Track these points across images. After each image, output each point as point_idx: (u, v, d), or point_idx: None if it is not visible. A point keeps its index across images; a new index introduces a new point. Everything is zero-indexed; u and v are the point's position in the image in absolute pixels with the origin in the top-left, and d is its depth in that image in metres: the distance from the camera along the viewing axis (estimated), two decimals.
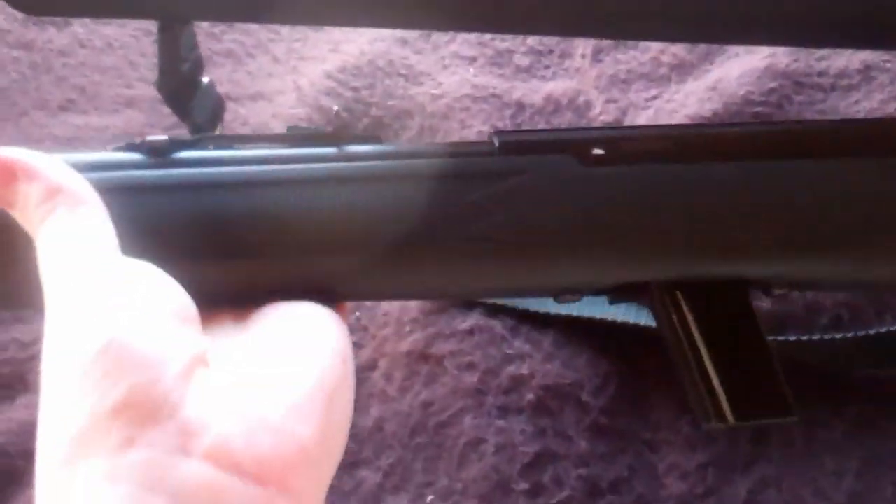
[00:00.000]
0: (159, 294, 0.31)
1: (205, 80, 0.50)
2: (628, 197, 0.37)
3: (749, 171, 0.38)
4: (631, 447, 0.48)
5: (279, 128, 0.65)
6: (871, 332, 0.50)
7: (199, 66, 0.49)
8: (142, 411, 0.27)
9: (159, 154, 0.37)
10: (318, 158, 0.38)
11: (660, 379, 0.51)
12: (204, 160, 0.37)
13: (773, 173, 0.39)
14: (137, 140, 0.37)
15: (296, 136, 0.39)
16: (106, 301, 0.30)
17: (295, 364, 0.31)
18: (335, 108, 0.65)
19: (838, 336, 0.49)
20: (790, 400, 0.38)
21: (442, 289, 0.41)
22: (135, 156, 0.37)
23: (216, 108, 0.51)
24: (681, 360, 0.39)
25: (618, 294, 0.40)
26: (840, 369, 0.50)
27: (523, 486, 0.46)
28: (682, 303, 0.39)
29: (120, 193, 0.34)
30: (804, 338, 0.49)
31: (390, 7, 0.45)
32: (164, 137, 0.37)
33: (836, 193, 0.39)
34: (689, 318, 0.39)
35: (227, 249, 0.35)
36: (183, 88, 0.48)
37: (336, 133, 0.39)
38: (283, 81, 0.70)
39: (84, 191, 0.33)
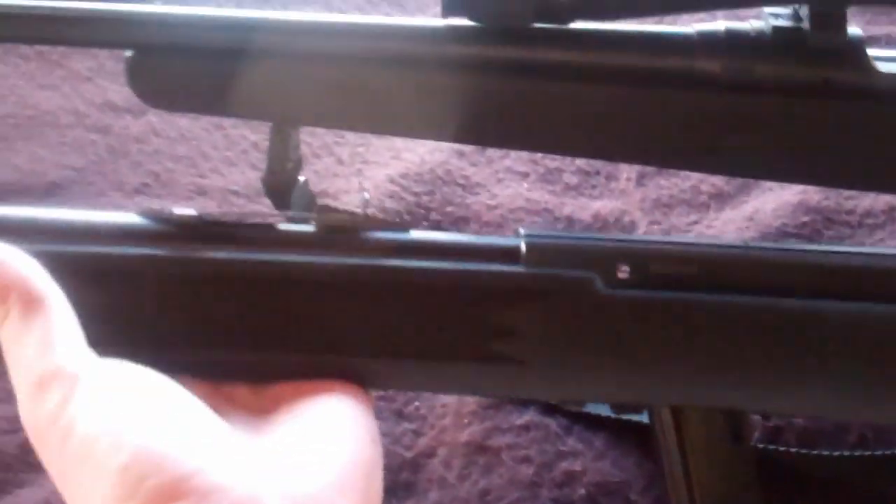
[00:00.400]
0: (153, 390, 0.31)
1: (301, 178, 0.55)
2: (649, 325, 0.38)
3: (771, 309, 0.39)
4: None
5: None
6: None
7: (299, 164, 0.54)
8: (193, 498, 0.28)
9: (188, 230, 0.37)
10: (344, 248, 0.38)
11: None
12: (232, 239, 0.38)
13: (794, 314, 0.39)
14: (167, 212, 0.38)
15: (324, 221, 0.39)
16: (108, 412, 0.30)
17: (329, 443, 0.33)
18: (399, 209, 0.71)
19: (866, 453, 0.54)
20: None
21: (458, 390, 0.45)
22: (162, 227, 0.37)
23: (309, 204, 0.56)
24: (669, 469, 0.42)
25: (622, 406, 0.44)
26: (865, 484, 0.54)
27: None
28: (682, 423, 0.41)
29: (142, 269, 0.36)
30: (835, 453, 0.54)
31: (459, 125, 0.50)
32: (193, 213, 0.38)
33: (856, 339, 0.39)
34: (686, 437, 0.42)
35: (247, 340, 0.37)
36: (285, 185, 0.53)
37: (364, 220, 0.39)
38: (348, 182, 0.75)
39: (40, 288, 0.32)
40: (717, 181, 0.72)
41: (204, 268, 0.37)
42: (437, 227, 0.71)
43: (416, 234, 0.39)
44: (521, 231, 0.39)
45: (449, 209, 0.72)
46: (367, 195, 0.45)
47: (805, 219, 0.67)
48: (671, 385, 0.39)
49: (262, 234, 0.38)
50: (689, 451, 0.42)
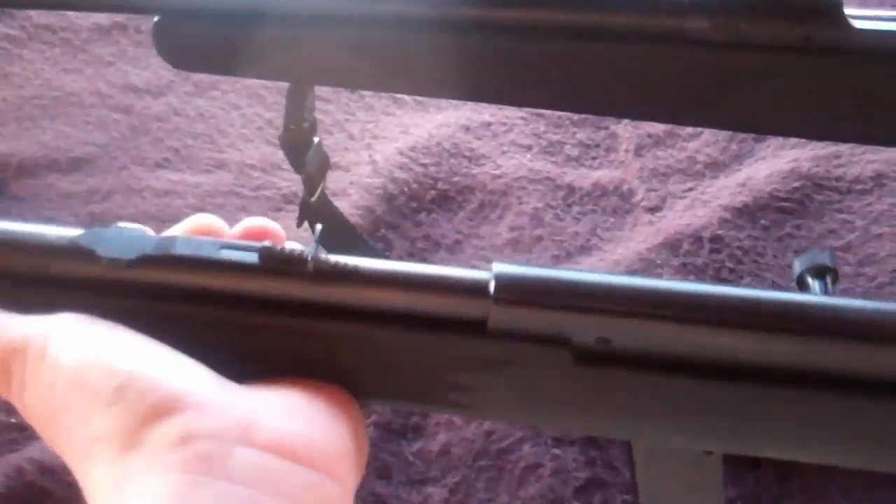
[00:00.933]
0: (126, 332, 0.32)
1: (315, 139, 0.59)
2: (615, 399, 0.36)
3: (746, 393, 0.36)
4: None
5: (357, 194, 0.74)
6: None
7: (314, 126, 0.57)
8: (195, 410, 0.29)
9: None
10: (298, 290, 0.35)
11: None
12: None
13: (771, 399, 0.36)
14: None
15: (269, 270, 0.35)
16: (91, 345, 0.31)
17: (319, 393, 0.33)
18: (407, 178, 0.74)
19: None
20: None
21: None
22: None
23: (323, 163, 0.59)
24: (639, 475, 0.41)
25: None
26: None
27: None
28: (659, 463, 0.40)
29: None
30: None
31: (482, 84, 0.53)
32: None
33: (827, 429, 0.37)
34: (662, 474, 0.41)
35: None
36: (301, 143, 0.57)
37: (312, 270, 0.35)
38: (358, 155, 0.79)
39: None
40: (712, 151, 0.75)
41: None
42: (444, 195, 0.74)
43: (367, 275, 0.36)
44: (491, 287, 0.35)
45: (455, 179, 0.75)
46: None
47: (796, 184, 0.70)
48: (639, 435, 0.38)
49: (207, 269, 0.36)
50: (658, 460, 0.41)
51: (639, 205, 0.72)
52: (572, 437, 0.56)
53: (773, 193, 0.69)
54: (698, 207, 0.70)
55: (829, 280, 0.43)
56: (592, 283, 0.36)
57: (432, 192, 0.74)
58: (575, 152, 0.77)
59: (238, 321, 0.35)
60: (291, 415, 0.32)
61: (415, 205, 0.73)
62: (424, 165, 0.76)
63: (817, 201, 0.70)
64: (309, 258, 0.35)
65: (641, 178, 0.74)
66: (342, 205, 0.72)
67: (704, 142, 0.77)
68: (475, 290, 0.35)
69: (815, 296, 0.39)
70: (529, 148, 0.78)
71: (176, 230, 0.37)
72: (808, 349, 0.35)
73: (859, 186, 0.71)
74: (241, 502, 0.28)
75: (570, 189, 0.74)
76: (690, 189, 0.73)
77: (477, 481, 0.55)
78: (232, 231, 0.37)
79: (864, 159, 0.73)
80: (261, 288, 0.35)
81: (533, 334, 0.35)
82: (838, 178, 0.71)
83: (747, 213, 0.69)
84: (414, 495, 0.55)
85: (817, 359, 0.35)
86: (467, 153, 0.77)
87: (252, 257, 0.35)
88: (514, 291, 0.35)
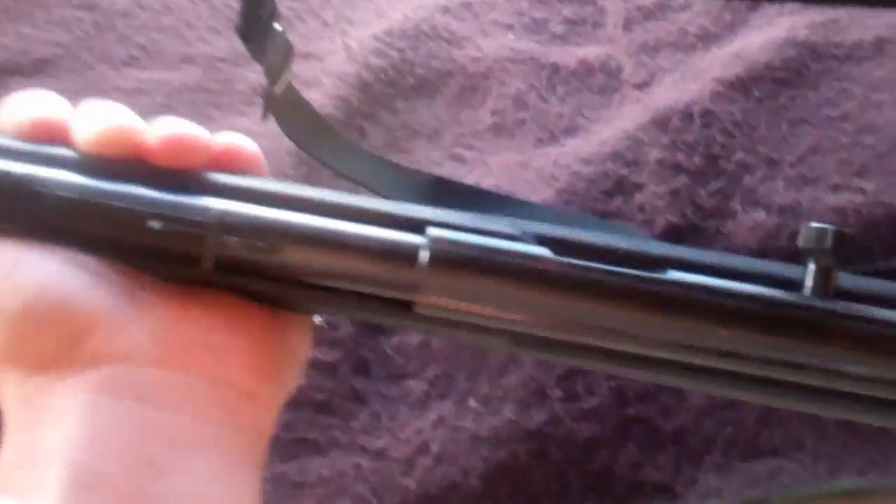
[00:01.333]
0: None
1: (277, 26, 0.55)
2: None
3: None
4: None
5: (330, 83, 0.70)
6: None
7: (274, 13, 0.54)
8: (107, 331, 0.28)
9: None
10: None
11: None
12: None
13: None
14: None
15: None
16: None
17: (244, 310, 0.32)
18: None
19: None
20: None
21: None
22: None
23: (286, 52, 0.56)
24: None
25: None
26: None
27: (558, 393, 0.51)
28: None
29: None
30: None
31: None
32: None
33: None
34: None
35: None
36: (260, 31, 0.53)
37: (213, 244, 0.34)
38: (332, 42, 0.75)
39: None
40: (704, 21, 0.71)
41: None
42: (422, 80, 0.70)
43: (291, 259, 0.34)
44: (424, 258, 0.33)
45: (434, 63, 0.71)
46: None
47: (791, 53, 0.66)
48: None
49: None
50: None
51: (627, 81, 0.69)
52: None
53: (768, 63, 0.66)
54: (689, 81, 0.67)
55: (832, 276, 0.36)
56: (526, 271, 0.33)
57: (410, 79, 0.71)
58: (560, 29, 0.73)
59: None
60: (206, 329, 0.31)
61: (391, 92, 0.70)
62: (401, 50, 0.72)
63: (814, 70, 0.66)
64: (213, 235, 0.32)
65: (630, 53, 0.70)
66: (315, 95, 0.69)
67: (696, 12, 0.72)
68: (404, 259, 0.33)
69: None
70: (511, 27, 0.74)
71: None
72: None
73: (859, 53, 0.67)
74: (150, 422, 0.28)
75: (555, 68, 0.70)
76: (681, 62, 0.69)
77: (458, 373, 0.53)
78: (216, 143, 0.35)
79: (864, 25, 0.68)
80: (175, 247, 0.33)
81: (463, 323, 0.34)
82: (837, 45, 0.67)
83: (740, 86, 0.65)
84: (393, 389, 0.54)
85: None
86: (446, 35, 0.74)
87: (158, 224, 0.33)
88: (447, 282, 0.33)
